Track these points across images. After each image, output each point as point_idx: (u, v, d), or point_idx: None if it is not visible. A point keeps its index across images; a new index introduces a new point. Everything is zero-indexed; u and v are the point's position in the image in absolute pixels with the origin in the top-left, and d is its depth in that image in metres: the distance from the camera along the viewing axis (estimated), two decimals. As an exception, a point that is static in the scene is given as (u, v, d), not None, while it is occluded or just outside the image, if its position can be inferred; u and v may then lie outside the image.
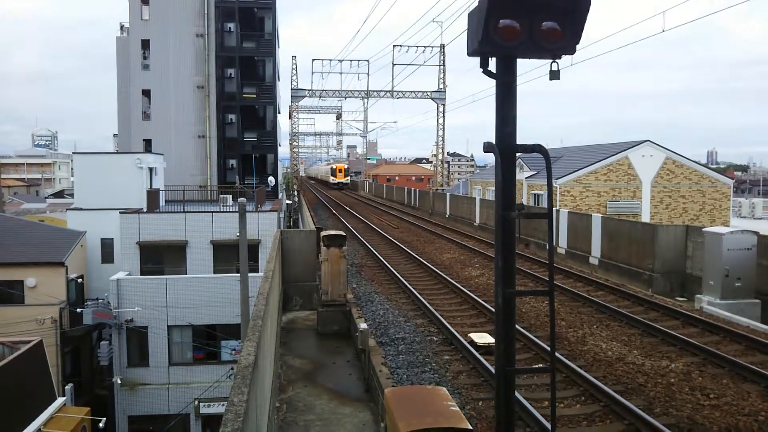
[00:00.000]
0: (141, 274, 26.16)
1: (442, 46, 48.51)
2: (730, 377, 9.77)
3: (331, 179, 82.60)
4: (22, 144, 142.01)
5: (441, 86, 49.13)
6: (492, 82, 3.95)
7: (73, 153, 45.11)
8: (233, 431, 3.93)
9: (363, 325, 11.21)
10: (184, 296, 25.04)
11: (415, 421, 5.21)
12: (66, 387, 21.94)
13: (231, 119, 41.17)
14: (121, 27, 42.53)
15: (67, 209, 36.09)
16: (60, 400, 18.69)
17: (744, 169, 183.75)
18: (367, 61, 48.70)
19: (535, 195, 39.14)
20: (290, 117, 55.84)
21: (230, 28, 40.53)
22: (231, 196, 31.56)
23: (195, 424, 24.75)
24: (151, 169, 33.32)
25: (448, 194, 43.68)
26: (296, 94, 49.06)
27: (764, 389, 9.27)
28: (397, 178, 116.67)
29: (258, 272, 22.67)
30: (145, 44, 39.31)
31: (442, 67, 49.12)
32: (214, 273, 26.47)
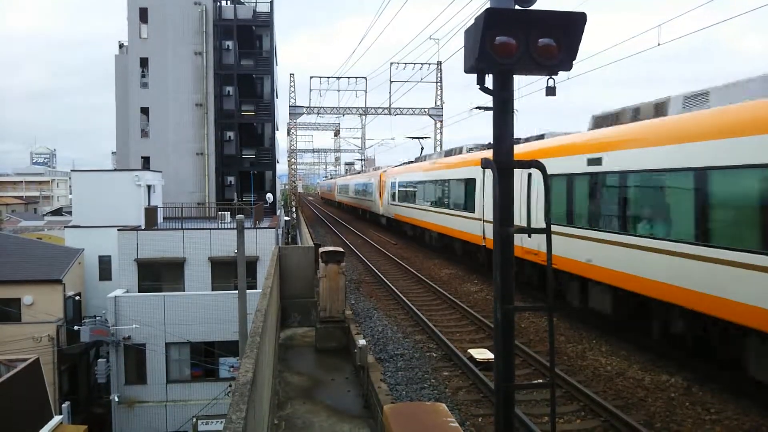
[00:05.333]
0: (139, 292, 26.07)
1: (439, 63, 48.78)
2: (730, 391, 9.72)
3: None
4: (20, 162, 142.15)
5: (438, 102, 49.34)
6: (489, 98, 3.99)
7: (71, 171, 45.12)
8: (232, 449, 3.90)
9: (362, 342, 11.17)
10: (182, 313, 24.95)
11: (414, 437, 5.18)
12: (63, 405, 21.77)
13: (229, 136, 41.27)
14: (120, 45, 42.74)
15: (65, 227, 36.04)
16: (57, 419, 18.54)
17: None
18: (365, 78, 48.95)
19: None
20: (288, 134, 55.95)
21: (228, 46, 40.74)
22: (229, 213, 31.58)
23: (193, 443, 24.58)
24: (149, 187, 33.34)
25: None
26: (294, 111, 49.21)
27: (765, 403, 9.22)
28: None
29: (256, 289, 22.60)
30: (144, 62, 39.50)
31: (439, 83, 49.37)
32: (212, 290, 26.40)
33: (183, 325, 24.81)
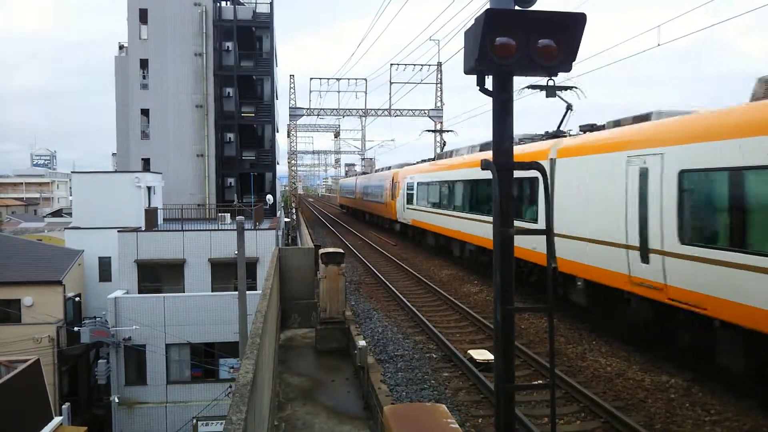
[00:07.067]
0: (139, 293, 26.09)
1: (439, 64, 48.76)
2: (731, 392, 9.70)
3: None
4: (21, 163, 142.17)
5: (438, 104, 49.32)
6: (489, 99, 3.99)
7: (71, 172, 45.15)
8: (232, 449, 3.90)
9: (362, 343, 11.18)
10: (182, 314, 24.96)
11: (414, 438, 5.18)
12: (63, 406, 21.77)
13: (229, 138, 41.26)
14: (120, 47, 42.75)
15: (65, 228, 36.04)
16: (57, 420, 18.54)
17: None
18: (365, 79, 48.94)
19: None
20: (288, 135, 55.91)
21: (228, 47, 40.75)
22: (229, 214, 31.59)
23: (193, 444, 24.56)
24: (149, 188, 33.36)
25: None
26: (294, 112, 49.17)
27: (765, 404, 9.21)
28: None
29: (256, 290, 22.61)
30: (144, 63, 39.51)
31: (439, 85, 49.34)
32: (212, 291, 26.41)
33: (183, 326, 24.81)
